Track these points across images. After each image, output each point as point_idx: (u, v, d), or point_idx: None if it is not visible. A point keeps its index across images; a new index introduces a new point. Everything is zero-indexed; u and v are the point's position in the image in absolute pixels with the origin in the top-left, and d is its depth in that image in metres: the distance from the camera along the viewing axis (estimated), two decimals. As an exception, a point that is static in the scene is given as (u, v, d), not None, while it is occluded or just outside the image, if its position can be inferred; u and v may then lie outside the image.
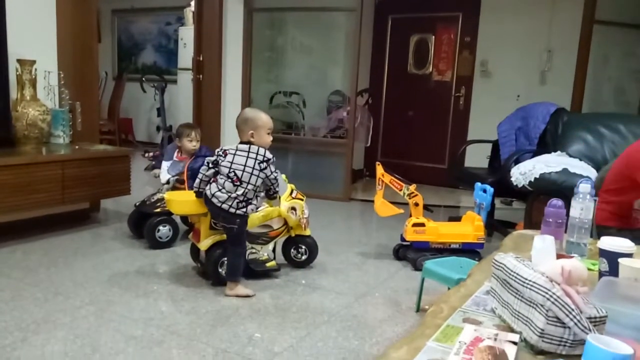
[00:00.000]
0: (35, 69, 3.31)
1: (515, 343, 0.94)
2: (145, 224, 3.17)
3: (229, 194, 2.43)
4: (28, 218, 3.29)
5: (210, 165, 2.50)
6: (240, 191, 2.44)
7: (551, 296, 0.96)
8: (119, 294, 2.46)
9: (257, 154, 2.46)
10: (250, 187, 2.45)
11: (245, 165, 2.45)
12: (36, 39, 3.44)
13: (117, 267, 2.83)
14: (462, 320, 1.13)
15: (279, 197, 2.85)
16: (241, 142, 2.50)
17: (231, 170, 2.44)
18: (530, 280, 1.01)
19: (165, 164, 3.42)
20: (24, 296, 2.37)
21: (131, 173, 3.67)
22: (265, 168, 2.47)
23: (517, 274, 1.06)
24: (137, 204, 3.32)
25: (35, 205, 3.09)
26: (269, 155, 2.49)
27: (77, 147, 3.48)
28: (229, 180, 2.44)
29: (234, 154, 2.46)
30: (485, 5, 5.44)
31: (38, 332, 2.03)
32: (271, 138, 2.57)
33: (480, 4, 5.45)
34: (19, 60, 3.23)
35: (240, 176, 2.44)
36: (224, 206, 2.43)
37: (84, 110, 3.68)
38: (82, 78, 3.74)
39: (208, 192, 2.46)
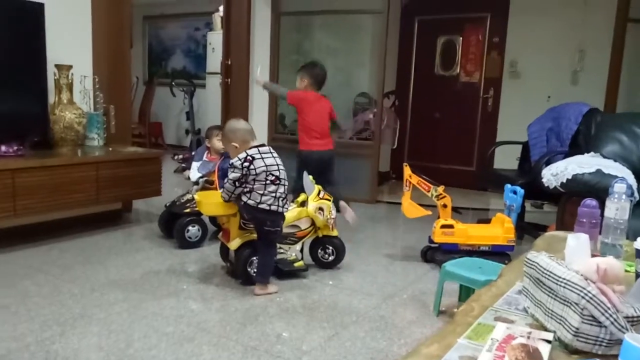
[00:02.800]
0: (72, 74, 3.41)
1: (549, 341, 0.94)
2: (175, 224, 3.23)
3: (273, 195, 2.47)
4: (64, 218, 3.39)
5: (237, 185, 2.47)
6: (281, 189, 2.50)
7: (586, 294, 0.95)
8: (151, 291, 2.52)
9: (274, 152, 2.56)
10: (285, 183, 2.51)
11: (277, 165, 2.51)
12: (73, 45, 3.55)
13: (148, 265, 2.89)
14: (494, 319, 1.13)
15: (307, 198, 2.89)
16: (253, 147, 2.51)
17: (269, 172, 2.47)
18: (564, 279, 1.01)
19: (195, 164, 3.50)
20: (62, 292, 2.44)
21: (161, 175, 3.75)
22: None
23: (551, 272, 1.05)
24: (167, 204, 3.39)
25: (71, 205, 3.18)
26: None
27: (110, 149, 3.57)
28: (269, 182, 2.47)
29: (262, 158, 2.49)
30: (514, 5, 5.38)
31: (75, 327, 2.09)
32: None
33: (509, 4, 5.39)
34: (56, 66, 3.34)
35: (278, 175, 2.49)
36: (272, 208, 2.47)
37: (117, 114, 3.78)
38: (115, 82, 3.84)
39: (252, 202, 2.45)
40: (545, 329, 1.04)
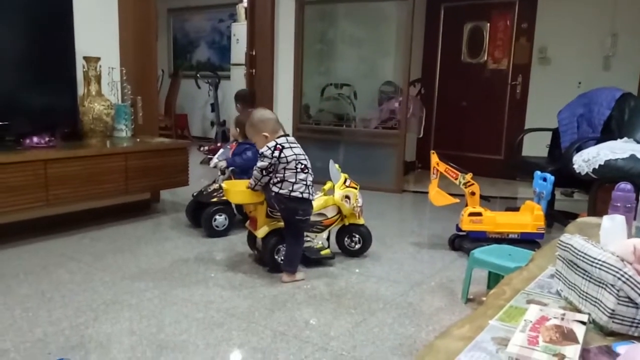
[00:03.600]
0: (100, 66, 3.47)
1: (583, 323, 0.92)
2: (203, 213, 3.27)
3: (304, 183, 2.49)
4: (95, 207, 3.47)
5: (264, 173, 2.48)
6: (310, 177, 2.52)
7: (622, 275, 0.93)
8: (180, 278, 2.56)
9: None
10: (311, 172, 2.53)
11: (304, 154, 2.53)
12: (100, 37, 3.61)
13: (177, 254, 2.93)
14: (526, 302, 1.11)
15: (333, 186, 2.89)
16: (280, 136, 2.53)
17: (298, 161, 2.48)
18: (599, 260, 0.98)
19: (220, 151, 3.56)
20: (94, 279, 2.50)
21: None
22: None
23: (585, 253, 1.03)
24: (195, 194, 3.43)
25: (102, 195, 3.25)
26: None
27: (138, 140, 3.63)
28: (299, 170, 2.48)
29: (291, 147, 2.50)
30: (543, -11, 5.25)
31: (107, 312, 2.14)
32: None
33: (538, -12, 5.27)
34: (85, 58, 3.40)
35: (306, 164, 2.51)
36: (305, 196, 2.49)
37: (144, 105, 3.83)
38: (142, 74, 3.89)
39: (285, 191, 2.46)
40: (580, 312, 1.02)
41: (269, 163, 2.45)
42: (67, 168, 3.00)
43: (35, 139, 3.03)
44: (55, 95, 3.32)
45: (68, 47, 3.27)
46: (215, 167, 3.43)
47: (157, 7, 4.05)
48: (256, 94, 5.22)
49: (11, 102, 3.09)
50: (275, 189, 2.48)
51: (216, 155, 3.54)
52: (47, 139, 3.08)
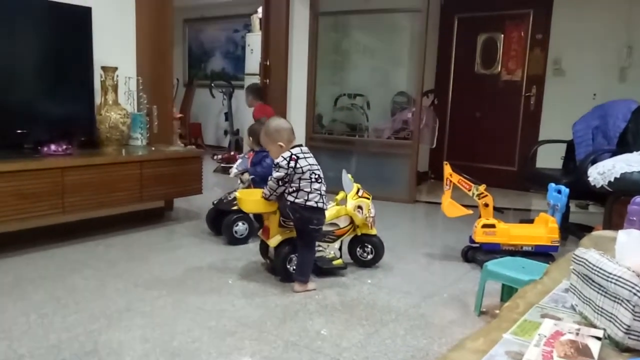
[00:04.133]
0: (117, 75, 3.52)
1: (599, 338, 0.91)
2: (223, 221, 3.30)
3: (319, 193, 2.51)
4: (109, 215, 3.50)
5: (280, 184, 2.49)
6: (323, 187, 2.53)
7: (638, 291, 0.92)
8: (193, 287, 2.57)
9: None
10: (324, 182, 2.55)
11: (317, 164, 2.55)
12: (117, 47, 3.67)
13: (190, 262, 2.95)
14: (540, 316, 1.10)
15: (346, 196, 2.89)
16: (295, 146, 2.54)
17: (312, 171, 2.49)
18: (615, 275, 0.98)
19: (238, 161, 3.58)
20: (108, 286, 2.52)
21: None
22: None
23: (601, 268, 1.02)
24: (215, 202, 3.47)
25: (116, 202, 3.28)
26: None
27: (153, 148, 3.67)
28: (314, 180, 2.49)
29: (305, 157, 2.51)
30: (558, 0, 5.24)
31: (121, 319, 2.16)
32: None
33: (553, -1, 5.26)
34: (102, 67, 3.45)
35: (320, 174, 2.53)
36: (319, 205, 2.51)
37: (160, 114, 3.88)
38: (158, 84, 3.94)
39: (300, 201, 2.47)
40: (595, 327, 1.01)
41: (285, 173, 2.46)
42: (83, 176, 3.04)
43: (52, 147, 3.08)
44: (73, 104, 3.37)
45: (86, 57, 3.32)
46: (235, 176, 3.46)
47: (173, 18, 4.11)
48: (267, 90, 5.26)
49: (30, 110, 3.15)
50: (290, 198, 2.49)
51: (235, 165, 3.58)
52: (64, 147, 3.12)
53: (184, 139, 7.60)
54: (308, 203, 2.47)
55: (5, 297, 2.34)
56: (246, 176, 3.38)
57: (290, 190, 2.49)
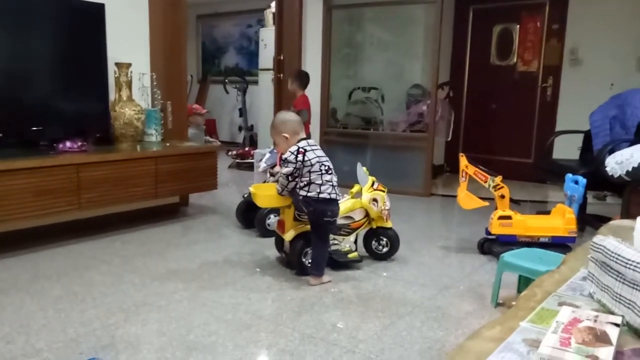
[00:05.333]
0: (131, 72, 3.54)
1: (617, 325, 0.89)
2: (256, 214, 3.34)
3: (331, 184, 2.51)
4: (125, 211, 3.53)
5: (290, 179, 2.49)
6: (335, 178, 2.53)
7: (658, 277, 0.90)
8: (209, 281, 2.58)
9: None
10: (334, 172, 2.55)
11: (325, 156, 2.54)
12: (131, 43, 3.69)
13: (206, 257, 2.97)
14: (558, 304, 1.08)
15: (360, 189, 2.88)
16: (301, 139, 2.53)
17: (321, 163, 2.49)
18: (633, 261, 0.95)
19: (266, 156, 3.60)
20: (124, 281, 2.55)
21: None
22: None
23: (619, 255, 1.00)
24: (245, 195, 3.50)
25: (132, 198, 3.31)
26: None
27: (168, 144, 3.68)
28: (324, 172, 2.49)
29: (312, 150, 2.50)
30: (574, -11, 5.15)
31: (138, 314, 2.18)
32: None
33: (569, -12, 5.17)
34: (116, 64, 3.47)
35: (329, 165, 2.52)
36: (332, 196, 2.51)
37: (174, 110, 3.90)
38: (172, 79, 3.95)
39: (313, 194, 2.47)
40: (613, 314, 0.99)
41: (294, 168, 2.46)
42: (98, 172, 3.07)
43: (68, 144, 3.11)
44: (88, 101, 3.40)
45: (100, 53, 3.35)
46: (263, 171, 3.49)
47: (187, 13, 4.12)
48: (282, 85, 5.22)
49: (45, 107, 3.19)
50: (302, 192, 2.49)
51: (263, 160, 3.61)
52: (79, 143, 3.15)
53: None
54: (321, 195, 2.46)
55: (23, 292, 2.38)
56: (277, 169, 3.39)
57: (302, 184, 2.48)
